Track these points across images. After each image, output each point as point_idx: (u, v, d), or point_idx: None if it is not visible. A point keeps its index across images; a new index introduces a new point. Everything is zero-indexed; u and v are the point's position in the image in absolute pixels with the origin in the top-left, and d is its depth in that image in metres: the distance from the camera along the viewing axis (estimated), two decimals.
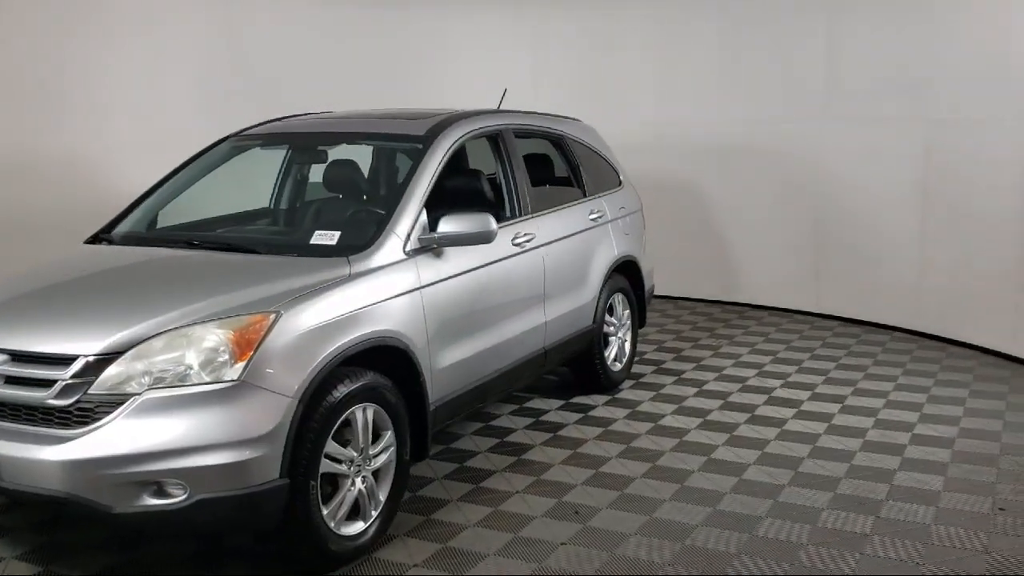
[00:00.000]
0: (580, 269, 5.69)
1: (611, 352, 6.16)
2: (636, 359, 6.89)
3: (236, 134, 5.33)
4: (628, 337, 6.39)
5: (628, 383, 6.35)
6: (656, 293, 9.21)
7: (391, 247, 4.13)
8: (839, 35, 7.92)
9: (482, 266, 4.63)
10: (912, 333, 7.65)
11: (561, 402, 5.95)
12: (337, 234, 4.16)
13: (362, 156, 5.43)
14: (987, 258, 6.98)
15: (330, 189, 5.25)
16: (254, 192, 5.78)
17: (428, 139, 4.69)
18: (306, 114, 5.67)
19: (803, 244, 8.41)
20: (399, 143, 4.95)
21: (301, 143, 5.33)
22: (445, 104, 6.50)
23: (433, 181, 4.50)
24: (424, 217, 4.34)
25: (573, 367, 6.08)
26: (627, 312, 6.37)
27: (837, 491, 4.50)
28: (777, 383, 6.35)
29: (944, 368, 6.69)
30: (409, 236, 4.23)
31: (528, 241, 5.09)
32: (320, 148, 5.28)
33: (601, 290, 5.90)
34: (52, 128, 7.03)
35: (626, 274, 6.34)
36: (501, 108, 6.15)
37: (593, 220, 5.90)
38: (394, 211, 4.24)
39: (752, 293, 8.85)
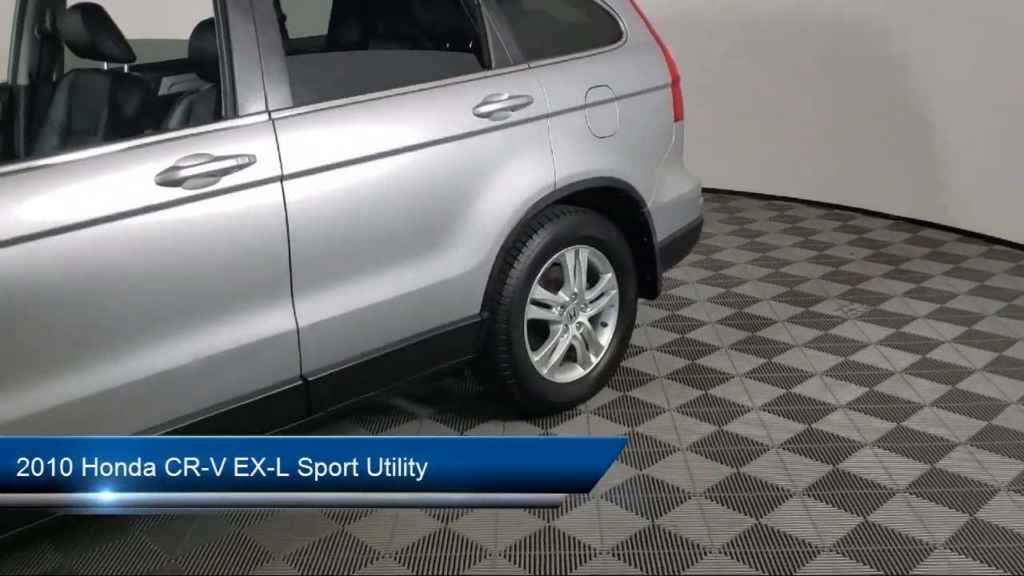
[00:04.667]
0: (429, 215, 2.98)
1: (552, 353, 3.41)
2: (664, 345, 4.08)
3: None
4: (611, 321, 3.59)
5: (605, 398, 3.60)
6: (828, 201, 6.09)
7: None
8: None
9: (37, 236, 2.20)
10: None
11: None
12: None
13: None
14: None
15: (80, 55, 3.32)
16: None
17: None
18: None
19: None
20: None
21: None
22: None
23: None
24: None
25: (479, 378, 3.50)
26: (609, 277, 3.54)
27: None
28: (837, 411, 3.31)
29: None
30: None
31: (232, 171, 2.51)
32: None
33: (506, 248, 3.14)
34: None
35: (605, 210, 3.48)
36: None
37: (486, 116, 3.09)
38: None
39: (962, 215, 5.45)
